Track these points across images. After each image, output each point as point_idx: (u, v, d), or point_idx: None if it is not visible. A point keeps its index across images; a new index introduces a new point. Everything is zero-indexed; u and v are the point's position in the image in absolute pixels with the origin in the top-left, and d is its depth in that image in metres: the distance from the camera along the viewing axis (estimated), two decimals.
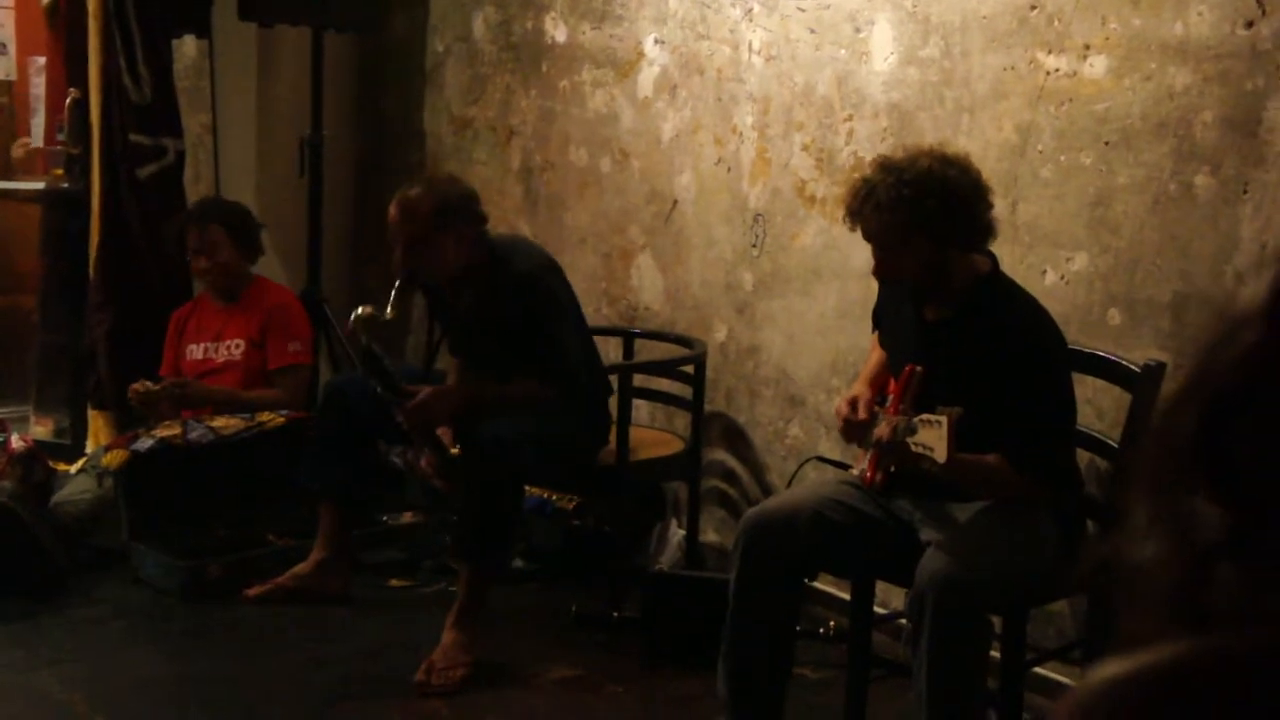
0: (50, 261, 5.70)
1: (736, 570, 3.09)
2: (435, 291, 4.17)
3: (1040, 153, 3.59)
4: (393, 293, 3.92)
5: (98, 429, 5.20)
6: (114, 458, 4.41)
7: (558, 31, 5.05)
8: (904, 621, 2.98)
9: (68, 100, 5.23)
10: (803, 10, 4.17)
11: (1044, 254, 3.58)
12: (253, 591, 4.16)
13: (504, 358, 3.96)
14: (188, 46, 5.62)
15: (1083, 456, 3.23)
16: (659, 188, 4.73)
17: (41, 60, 5.67)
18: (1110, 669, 0.75)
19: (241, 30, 5.38)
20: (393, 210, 3.94)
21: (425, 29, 5.63)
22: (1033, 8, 3.59)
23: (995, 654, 2.99)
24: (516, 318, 3.91)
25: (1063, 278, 3.54)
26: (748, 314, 4.46)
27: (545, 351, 3.90)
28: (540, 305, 3.92)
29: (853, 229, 3.08)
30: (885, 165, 3.01)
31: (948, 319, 3.07)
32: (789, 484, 3.59)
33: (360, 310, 3.88)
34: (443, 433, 3.94)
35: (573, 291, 4.13)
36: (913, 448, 2.84)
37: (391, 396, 3.86)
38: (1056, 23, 3.53)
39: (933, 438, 2.80)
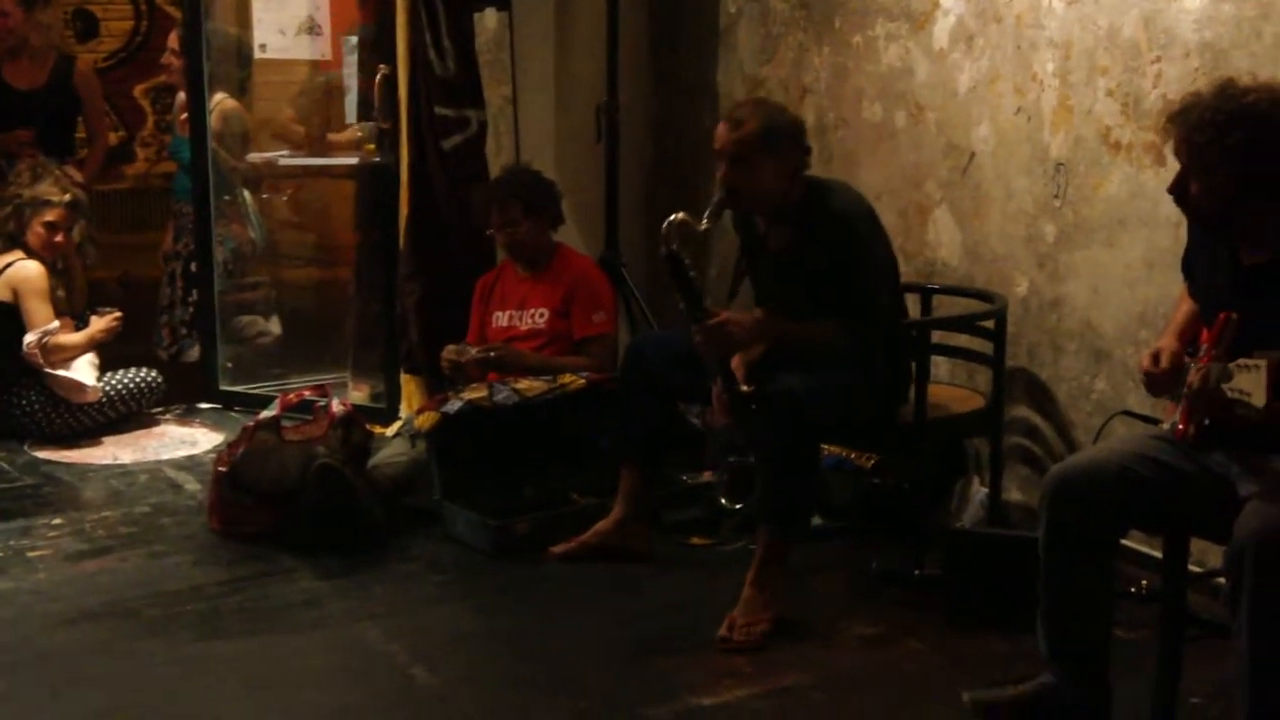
0: (364, 234, 5.94)
1: (1044, 529, 3.02)
2: (748, 228, 4.15)
3: None
4: (710, 205, 3.92)
5: (410, 393, 5.40)
6: (425, 420, 4.57)
7: None
8: (1222, 580, 2.86)
9: (377, 77, 5.42)
10: None
11: None
12: (557, 549, 4.26)
13: (809, 304, 3.91)
14: (488, 19, 5.76)
15: None
16: (956, 140, 4.64)
17: (354, 39, 5.90)
18: None
19: (539, 1, 5.50)
20: (721, 126, 3.95)
21: None
22: None
23: None
24: (828, 258, 3.86)
25: None
26: (1050, 267, 4.33)
27: (852, 295, 3.85)
28: (853, 247, 3.87)
29: (1166, 138, 2.96)
30: (1222, 86, 2.89)
31: (1267, 262, 2.92)
32: (1095, 440, 3.47)
33: (675, 216, 3.86)
34: (736, 366, 3.92)
35: (889, 241, 4.06)
36: (1228, 394, 2.71)
37: (692, 310, 3.84)
38: None
39: (1250, 383, 2.67)
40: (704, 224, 3.90)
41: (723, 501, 4.55)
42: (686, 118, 5.87)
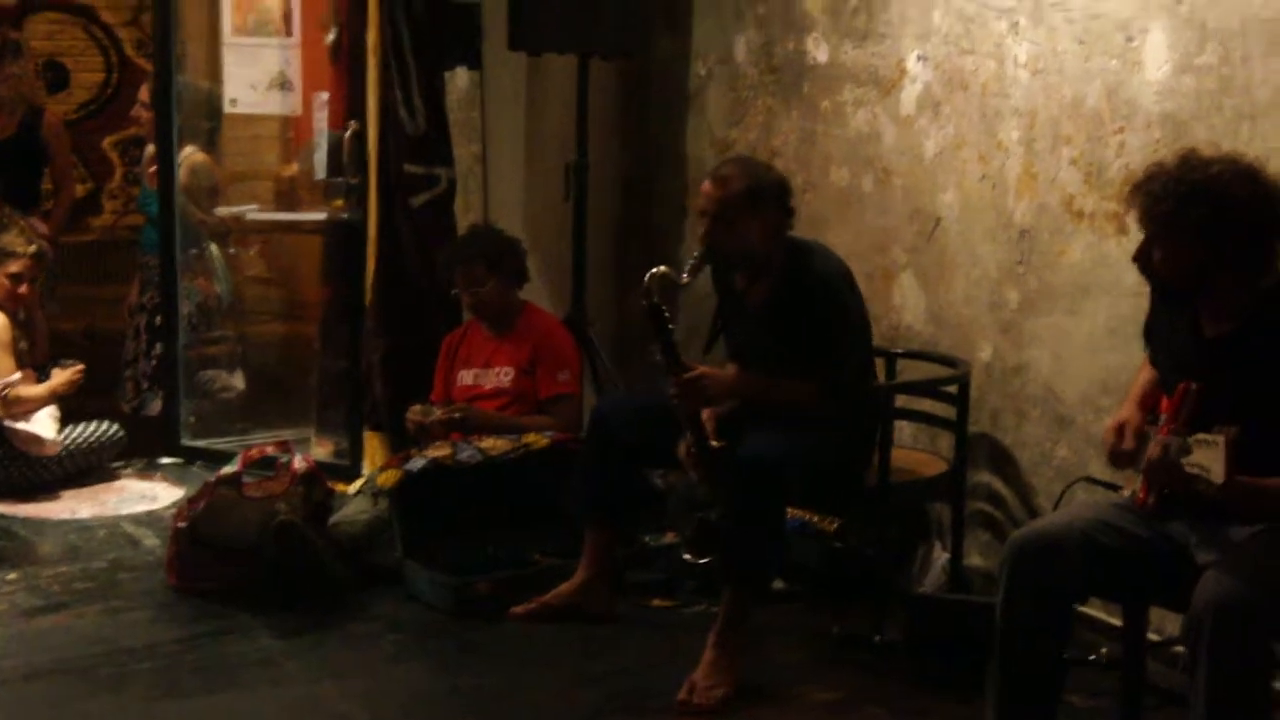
0: (331, 289, 5.92)
1: (1003, 595, 3.02)
2: (727, 284, 4.16)
3: None
4: (691, 260, 3.95)
5: (373, 450, 5.37)
6: (388, 477, 4.56)
7: (819, 52, 5.03)
8: (1180, 649, 2.87)
9: (347, 133, 5.43)
10: (1071, 21, 4.07)
11: None
12: (519, 610, 4.23)
13: (784, 361, 3.94)
14: (459, 78, 5.79)
15: None
16: (921, 206, 4.67)
17: (324, 95, 5.91)
18: None
19: (510, 60, 5.52)
20: (707, 183, 3.98)
21: (688, 53, 5.69)
22: None
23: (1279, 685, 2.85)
24: (805, 319, 3.89)
25: None
26: (1013, 333, 4.35)
27: (828, 357, 3.88)
28: (830, 311, 3.91)
29: (1130, 207, 2.99)
30: (1186, 157, 2.94)
31: (1228, 334, 2.94)
32: (1056, 506, 3.48)
33: (656, 269, 3.90)
34: (706, 418, 3.92)
35: (864, 305, 4.10)
36: (1187, 468, 2.72)
37: (669, 362, 3.86)
38: None
39: (1209, 458, 2.68)
40: (685, 279, 3.93)
41: (687, 557, 4.50)
42: (655, 179, 5.89)
